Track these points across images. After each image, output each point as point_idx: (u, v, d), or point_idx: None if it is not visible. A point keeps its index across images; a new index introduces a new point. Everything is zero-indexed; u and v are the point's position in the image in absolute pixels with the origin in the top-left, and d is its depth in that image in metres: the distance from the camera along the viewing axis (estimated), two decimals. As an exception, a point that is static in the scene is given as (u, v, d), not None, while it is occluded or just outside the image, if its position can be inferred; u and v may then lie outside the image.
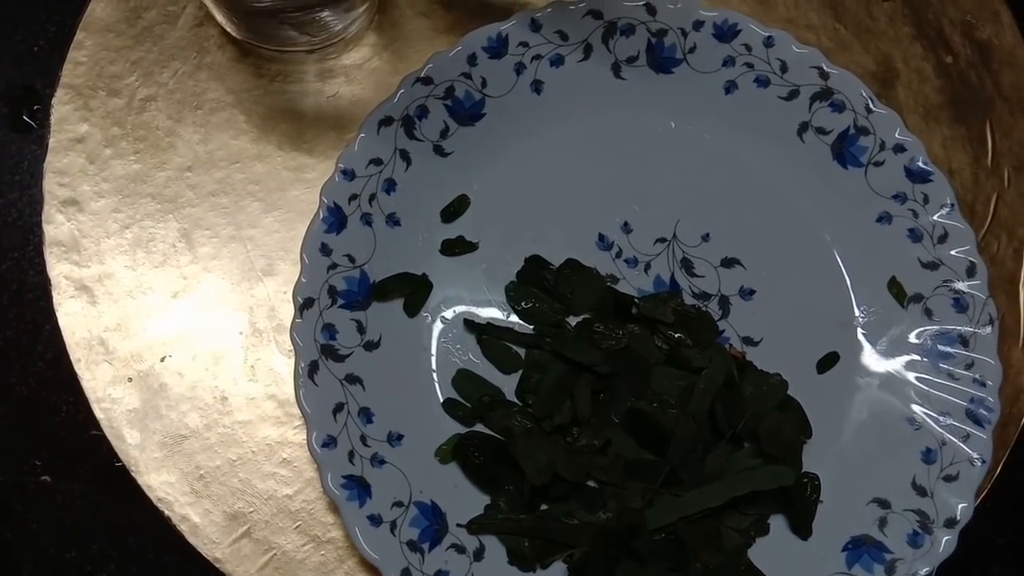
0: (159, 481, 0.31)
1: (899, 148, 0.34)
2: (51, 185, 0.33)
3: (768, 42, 0.35)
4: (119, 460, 0.31)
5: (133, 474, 0.30)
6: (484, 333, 0.33)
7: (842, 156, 0.35)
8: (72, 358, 0.31)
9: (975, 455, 0.32)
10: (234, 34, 0.35)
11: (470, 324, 0.33)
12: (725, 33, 0.35)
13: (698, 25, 0.35)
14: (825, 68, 0.35)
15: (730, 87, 0.35)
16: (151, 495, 0.30)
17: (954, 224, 0.34)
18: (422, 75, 0.33)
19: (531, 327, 0.33)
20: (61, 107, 0.34)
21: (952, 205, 0.34)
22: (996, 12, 0.38)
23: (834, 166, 0.35)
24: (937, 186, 0.34)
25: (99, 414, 0.31)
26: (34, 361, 0.33)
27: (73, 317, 0.32)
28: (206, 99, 0.34)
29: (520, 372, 0.32)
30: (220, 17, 0.34)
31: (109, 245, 0.33)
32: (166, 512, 0.30)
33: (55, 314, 0.32)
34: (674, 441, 0.31)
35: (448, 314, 0.33)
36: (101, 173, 0.33)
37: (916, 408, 0.32)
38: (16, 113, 0.35)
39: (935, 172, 0.34)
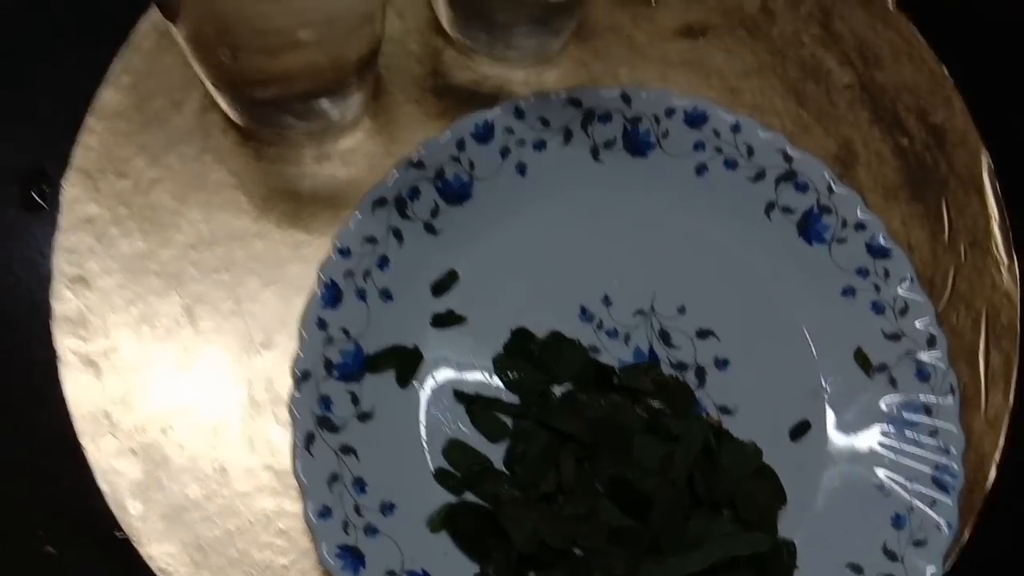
0: (160, 552, 0.31)
1: (860, 226, 0.37)
2: (60, 263, 0.34)
3: (735, 128, 0.37)
4: (122, 531, 0.32)
5: (135, 545, 0.31)
6: (473, 403, 0.34)
7: (807, 233, 0.37)
8: (77, 430, 0.32)
9: (942, 521, 0.33)
10: (237, 120, 0.37)
11: (459, 394, 0.34)
12: (695, 120, 0.37)
13: (670, 112, 0.37)
14: (789, 152, 0.37)
15: (701, 169, 0.37)
16: (152, 565, 0.31)
17: (914, 297, 0.36)
18: (414, 159, 0.35)
19: (517, 397, 0.35)
20: (71, 189, 0.36)
21: (912, 279, 0.36)
22: (948, 98, 0.41)
23: (800, 243, 0.37)
24: (897, 261, 0.36)
25: (103, 486, 0.32)
26: (39, 433, 0.34)
27: (79, 391, 0.33)
28: (209, 180, 0.36)
29: (507, 441, 0.34)
30: (224, 105, 0.36)
31: (115, 321, 0.34)
32: (166, 582, 0.31)
33: (61, 387, 0.33)
34: (655, 508, 0.32)
35: (438, 385, 0.35)
36: (108, 251, 0.35)
37: (884, 474, 0.34)
38: (27, 193, 0.37)
39: (894, 248, 0.36)
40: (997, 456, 0.36)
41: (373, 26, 0.33)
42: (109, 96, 0.37)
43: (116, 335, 0.34)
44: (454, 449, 0.34)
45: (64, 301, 0.34)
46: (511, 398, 0.35)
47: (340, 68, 0.33)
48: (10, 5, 0.39)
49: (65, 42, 0.38)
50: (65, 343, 0.34)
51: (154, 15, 0.38)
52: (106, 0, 0.39)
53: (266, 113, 0.36)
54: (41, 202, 0.37)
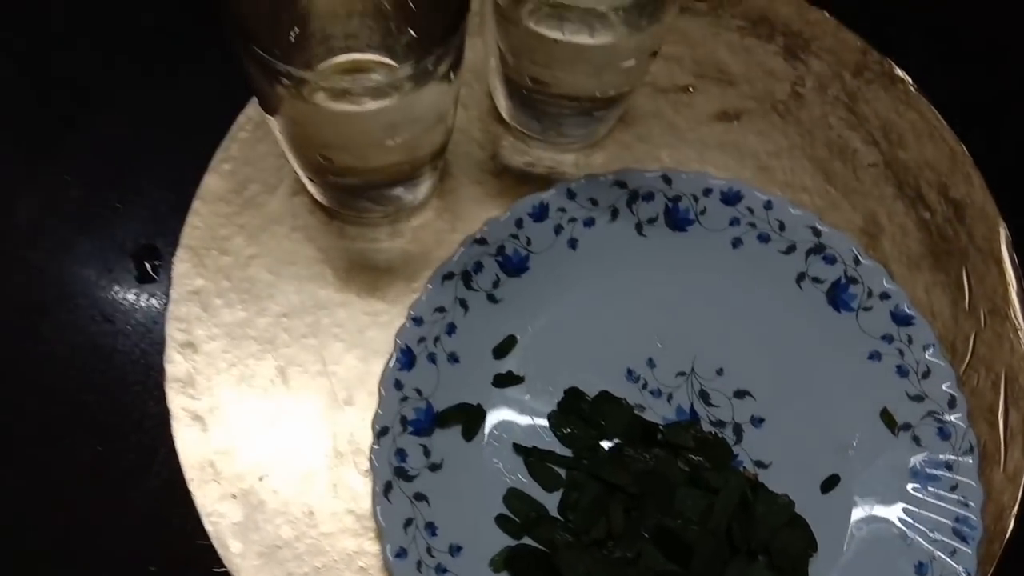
0: (257, 586, 0.36)
1: (885, 295, 0.40)
2: (172, 330, 0.40)
3: (767, 205, 0.41)
4: (222, 567, 0.36)
5: (235, 579, 0.36)
6: (530, 456, 0.38)
7: (835, 302, 0.40)
8: (186, 478, 0.37)
9: (961, 569, 0.36)
10: (323, 202, 0.42)
11: (518, 447, 0.38)
12: (731, 198, 0.41)
13: (707, 192, 0.41)
14: (818, 227, 0.41)
15: (736, 243, 0.41)
16: (250, 598, 0.36)
17: (936, 362, 0.39)
18: (478, 237, 0.40)
19: (570, 451, 0.38)
20: (181, 264, 0.41)
21: (933, 346, 0.39)
22: (968, 174, 0.45)
23: (829, 310, 0.40)
24: (919, 328, 0.39)
25: (208, 527, 0.36)
26: (151, 480, 0.38)
27: (188, 443, 0.38)
28: (299, 256, 0.41)
29: (561, 491, 0.38)
30: (311, 190, 0.41)
31: (219, 381, 0.39)
32: (262, 613, 0.35)
33: (172, 439, 0.38)
34: (696, 555, 0.36)
35: (499, 438, 0.38)
36: (213, 319, 0.40)
37: (908, 526, 0.37)
38: (141, 268, 0.42)
39: (917, 317, 0.39)
40: (1016, 508, 0.38)
41: (445, 123, 0.37)
42: (212, 181, 0.42)
43: (220, 393, 0.39)
44: (514, 497, 0.37)
45: (175, 364, 0.39)
46: (565, 451, 0.38)
47: (416, 161, 0.37)
48: (129, 102, 0.45)
49: (175, 134, 0.44)
50: (176, 401, 0.38)
51: (250, 109, 0.44)
52: (209, 96, 0.45)
53: (348, 198, 0.41)
54: (154, 275, 0.42)
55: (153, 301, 0.41)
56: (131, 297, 0.42)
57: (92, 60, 0.45)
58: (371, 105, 0.31)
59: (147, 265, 0.42)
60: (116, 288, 0.42)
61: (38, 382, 0.40)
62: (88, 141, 0.44)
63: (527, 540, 0.37)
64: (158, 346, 0.40)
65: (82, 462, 0.38)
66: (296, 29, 0.35)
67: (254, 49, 0.30)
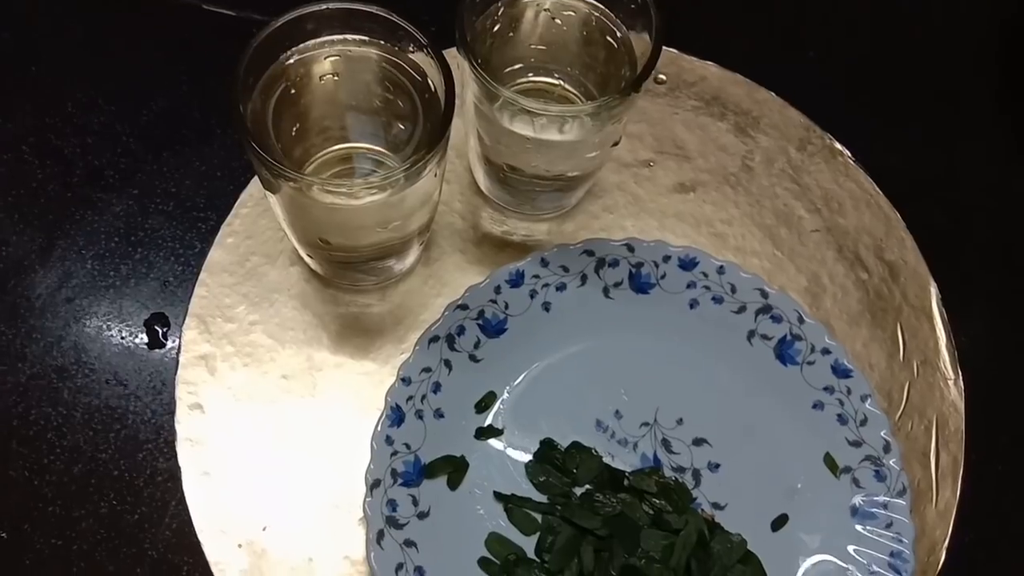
0: (262, 627, 0.39)
1: (826, 351, 0.44)
2: (181, 392, 0.43)
3: (720, 270, 0.45)
4: (228, 610, 0.40)
5: (242, 622, 0.39)
6: (509, 502, 0.42)
7: (782, 357, 0.45)
8: (196, 528, 0.40)
9: (897, 599, 0.40)
10: (318, 272, 0.46)
11: (498, 495, 0.42)
12: (687, 264, 0.45)
13: (667, 258, 0.45)
14: (766, 289, 0.45)
15: (693, 304, 0.45)
16: (255, 638, 0.39)
17: (873, 411, 0.43)
18: (460, 303, 0.44)
19: (546, 497, 0.42)
20: (189, 331, 0.45)
21: (870, 396, 0.43)
22: (901, 238, 0.49)
23: (776, 364, 0.45)
24: (857, 381, 0.44)
25: (216, 574, 0.40)
26: (162, 531, 0.42)
27: (197, 496, 0.41)
28: (297, 322, 0.45)
29: (538, 534, 0.41)
30: (308, 262, 0.45)
31: (225, 439, 0.42)
32: (267, 652, 0.39)
33: (180, 492, 0.42)
34: (660, 590, 0.40)
35: (481, 486, 0.42)
36: (218, 382, 0.44)
37: (849, 559, 0.41)
38: (152, 334, 0.46)
39: (855, 370, 0.44)
40: (946, 542, 0.43)
41: (432, 202, 0.42)
42: (217, 254, 0.46)
43: (226, 451, 0.42)
44: (494, 541, 0.41)
45: (185, 424, 0.43)
46: (540, 498, 0.42)
47: (405, 238, 0.42)
48: (140, 182, 0.49)
49: (182, 211, 0.48)
50: (186, 458, 0.42)
51: (252, 187, 0.48)
52: (214, 175, 0.49)
53: (342, 270, 0.45)
54: (163, 341, 0.46)
55: (162, 366, 0.45)
56: (142, 362, 0.45)
57: (105, 141, 0.50)
58: (366, 199, 0.35)
59: (157, 331, 0.46)
60: (129, 353, 0.45)
61: (58, 442, 0.43)
62: (101, 218, 0.48)
63: (507, 580, 0.40)
64: (167, 407, 0.44)
65: (99, 515, 0.42)
66: (297, 125, 0.40)
67: (258, 150, 0.34)
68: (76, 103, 0.50)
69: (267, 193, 0.40)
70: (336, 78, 0.39)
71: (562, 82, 0.43)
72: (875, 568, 0.41)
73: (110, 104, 0.50)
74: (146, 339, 0.46)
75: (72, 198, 0.48)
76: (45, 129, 0.50)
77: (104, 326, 0.46)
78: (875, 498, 0.42)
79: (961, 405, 0.45)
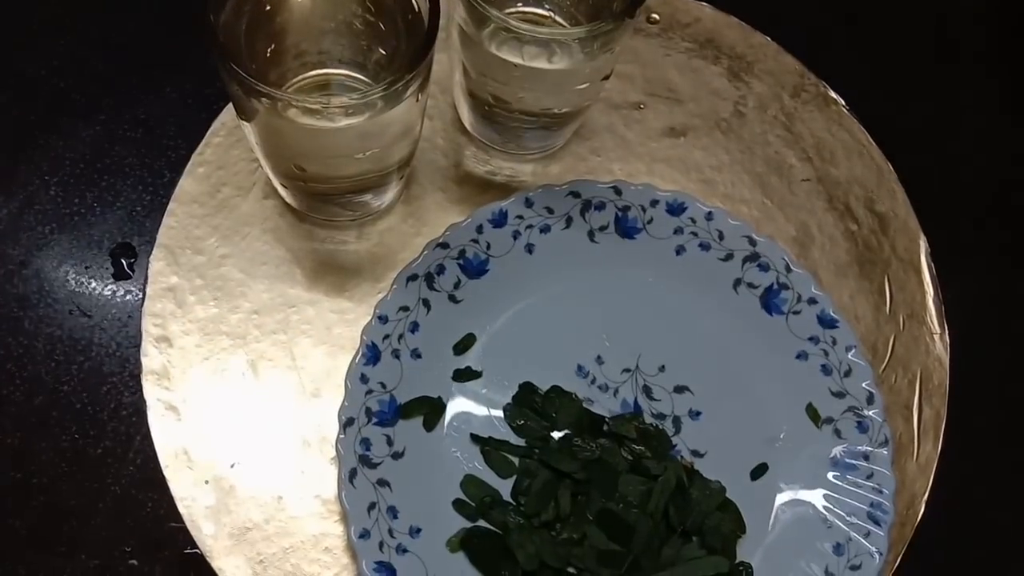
0: (228, 564, 0.38)
1: (812, 300, 0.43)
2: (148, 325, 0.42)
3: (709, 216, 0.44)
4: (192, 547, 0.39)
5: (208, 559, 0.38)
6: (486, 445, 0.41)
7: (768, 306, 0.44)
8: (161, 464, 0.39)
9: (874, 549, 0.39)
10: (294, 206, 0.44)
11: (475, 437, 0.41)
12: (675, 209, 0.44)
13: (654, 203, 0.44)
14: (754, 237, 0.44)
15: (680, 250, 0.44)
16: (221, 576, 0.38)
17: (857, 362, 0.43)
18: (441, 241, 0.43)
19: (523, 440, 0.41)
20: (156, 262, 0.43)
21: (855, 347, 0.43)
22: (892, 190, 0.48)
23: (762, 314, 0.44)
24: (843, 331, 0.43)
25: (182, 510, 0.39)
26: (126, 466, 0.41)
27: (163, 432, 0.40)
28: (270, 256, 0.44)
29: (514, 477, 0.40)
30: (283, 194, 0.44)
31: (192, 373, 0.41)
32: (233, 590, 0.38)
33: (146, 428, 0.40)
34: (636, 535, 0.39)
35: (458, 429, 0.41)
36: (187, 316, 0.42)
37: (828, 510, 0.41)
38: (118, 265, 0.44)
39: (840, 320, 0.43)
40: (926, 496, 0.42)
41: (413, 135, 0.40)
42: (187, 184, 0.45)
43: (193, 385, 0.41)
44: (470, 483, 0.40)
45: (150, 357, 0.41)
46: (518, 441, 0.41)
47: (384, 170, 0.40)
48: (107, 107, 0.47)
49: (152, 138, 0.46)
50: (152, 392, 0.40)
51: (224, 116, 0.46)
52: (185, 102, 0.47)
53: (319, 203, 0.43)
54: (129, 272, 0.44)
55: (128, 297, 0.43)
56: (107, 293, 0.44)
57: (72, 65, 0.47)
58: (343, 122, 0.34)
59: (123, 262, 0.44)
60: (93, 284, 0.44)
61: (19, 373, 0.42)
62: (67, 144, 0.46)
63: (482, 522, 0.39)
64: (133, 340, 0.42)
65: (61, 448, 0.41)
66: (272, 46, 0.38)
67: (232, 66, 0.32)
68: (43, 24, 0.48)
69: (241, 122, 0.38)
70: (315, -5, 0.37)
71: (552, 13, 0.42)
72: (854, 519, 0.40)
73: (78, 27, 0.48)
74: (112, 269, 0.44)
75: (36, 122, 0.46)
76: (9, 50, 0.47)
77: (68, 255, 0.44)
78: (856, 449, 0.41)
79: (946, 360, 0.45)
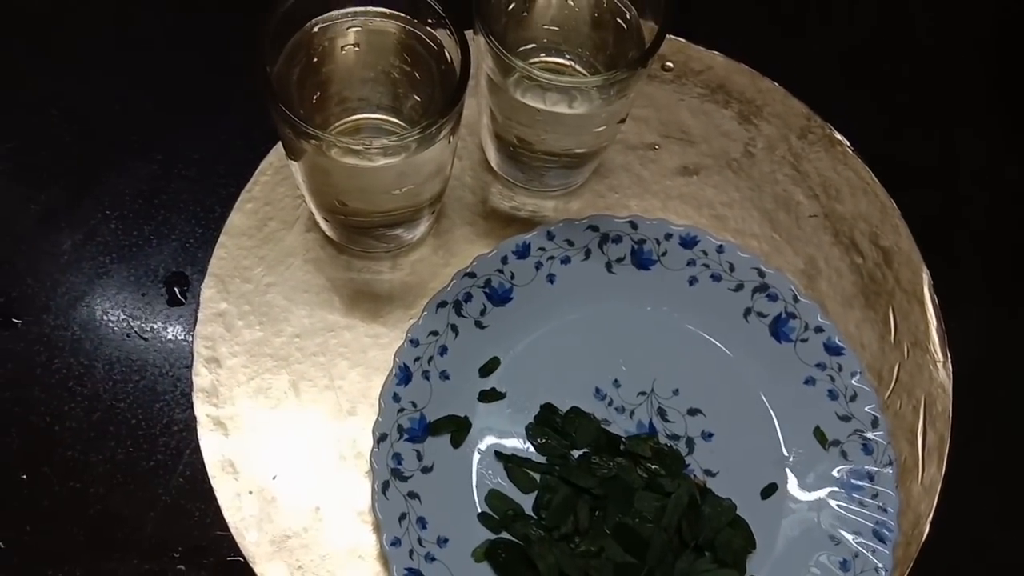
0: (270, 570, 0.41)
1: (819, 329, 0.46)
2: (199, 347, 0.45)
3: (720, 249, 0.47)
4: (235, 554, 0.42)
5: (251, 564, 0.41)
6: (509, 461, 0.43)
7: (777, 334, 0.46)
8: (209, 475, 0.42)
9: (880, 565, 0.41)
10: (333, 238, 0.48)
11: (499, 454, 0.44)
12: (688, 242, 0.47)
13: (668, 236, 0.47)
14: (763, 269, 0.47)
15: (692, 281, 0.47)
16: (263, 580, 0.41)
17: (862, 387, 0.45)
18: (468, 271, 0.46)
19: (544, 458, 0.44)
20: (207, 290, 0.46)
21: (860, 373, 0.45)
22: (896, 225, 0.51)
23: (771, 341, 0.46)
24: (848, 359, 0.45)
25: (228, 518, 0.42)
26: (176, 477, 0.44)
27: (211, 445, 0.43)
28: (311, 285, 0.47)
29: (536, 492, 0.43)
30: (324, 227, 0.47)
31: (239, 392, 0.44)
32: (273, 593, 0.41)
33: (195, 442, 0.43)
34: (651, 549, 0.41)
35: (483, 446, 0.44)
36: (235, 339, 0.45)
37: (835, 528, 0.43)
38: (172, 292, 0.48)
39: (846, 348, 0.45)
40: (931, 516, 0.44)
41: (444, 174, 0.43)
42: (237, 218, 0.48)
43: (239, 403, 0.44)
44: (494, 497, 0.43)
45: (202, 376, 0.44)
46: (539, 458, 0.44)
47: (417, 206, 0.44)
48: (164, 147, 0.51)
49: (204, 176, 0.50)
50: (201, 409, 0.44)
51: (272, 156, 0.50)
52: (236, 143, 0.51)
53: (357, 236, 0.47)
54: (182, 299, 0.48)
55: (181, 322, 0.47)
56: (161, 318, 0.47)
57: (133, 106, 0.52)
58: (382, 161, 0.37)
59: (176, 290, 0.48)
60: (149, 310, 0.47)
61: (79, 391, 0.45)
62: (126, 180, 0.50)
63: (505, 534, 0.42)
64: (184, 361, 0.45)
65: (116, 461, 0.44)
66: (318, 93, 0.42)
67: (284, 111, 0.36)
68: (99, 68, 0.52)
69: (289, 161, 0.42)
70: (357, 48, 0.41)
71: (573, 63, 0.45)
72: (860, 538, 0.42)
73: (138, 71, 0.52)
74: (166, 296, 0.47)
75: (98, 161, 0.50)
76: (71, 93, 0.52)
77: (126, 283, 0.48)
78: (862, 469, 0.43)
79: (949, 386, 0.47)
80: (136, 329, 0.47)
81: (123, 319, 0.47)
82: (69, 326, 0.46)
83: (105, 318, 0.47)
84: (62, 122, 0.51)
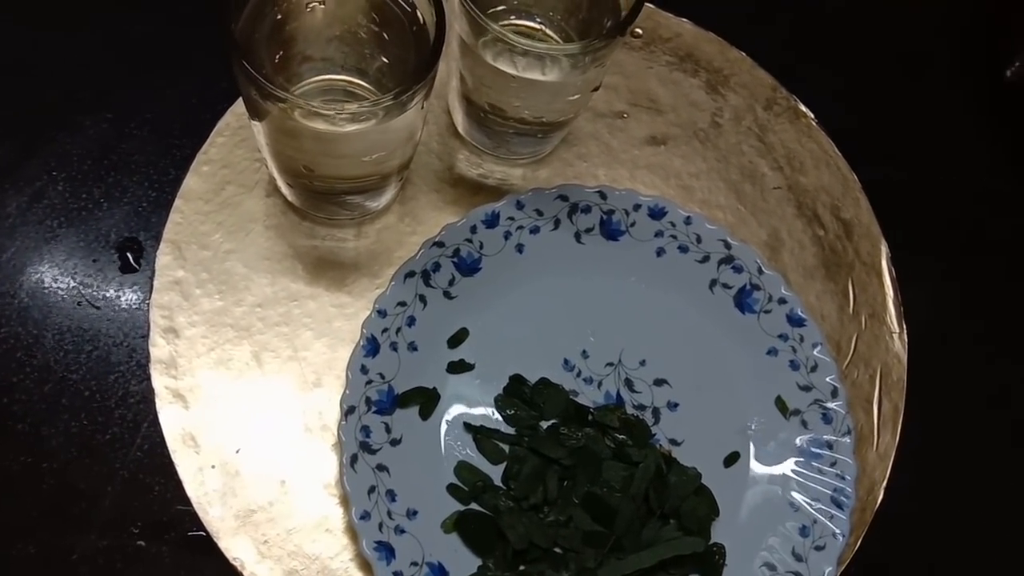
0: (234, 545, 0.40)
1: (782, 300, 0.46)
2: (155, 316, 0.43)
3: (687, 221, 0.47)
4: (198, 529, 0.41)
5: (215, 539, 0.40)
6: (478, 433, 0.43)
7: (741, 305, 0.47)
8: (169, 449, 0.41)
9: (837, 531, 0.43)
10: (296, 204, 0.46)
11: (468, 425, 0.43)
12: (656, 213, 0.47)
13: (637, 207, 0.47)
14: (729, 240, 0.47)
15: (660, 252, 0.47)
16: (228, 555, 0.40)
17: (823, 358, 0.46)
18: (436, 240, 0.45)
19: (513, 429, 0.44)
20: (163, 256, 0.45)
21: (821, 344, 0.46)
22: (856, 198, 0.52)
23: (735, 312, 0.47)
24: (810, 330, 0.46)
25: (190, 493, 0.41)
26: (133, 452, 0.42)
27: (171, 418, 0.42)
28: (273, 252, 0.46)
29: (505, 463, 0.43)
30: (286, 192, 0.46)
31: (199, 363, 0.43)
32: (239, 569, 0.40)
33: (153, 415, 0.42)
34: (619, 518, 0.42)
35: (452, 418, 0.43)
36: (193, 308, 0.44)
37: (795, 495, 0.44)
38: (125, 259, 0.46)
39: (808, 319, 0.46)
40: (885, 483, 0.46)
41: (414, 140, 0.42)
42: (193, 181, 0.46)
43: (199, 374, 0.43)
44: (463, 469, 0.43)
45: (159, 347, 0.43)
46: (508, 429, 0.44)
47: (385, 173, 0.42)
48: (116, 104, 0.48)
49: (158, 136, 0.48)
50: (160, 380, 0.42)
51: (229, 116, 0.48)
52: (191, 102, 0.48)
53: (320, 202, 0.45)
54: (135, 266, 0.46)
55: (135, 291, 0.45)
56: (114, 286, 0.45)
57: (82, 62, 0.49)
58: (351, 128, 0.36)
59: (129, 256, 0.46)
60: (100, 277, 0.45)
61: (28, 361, 0.43)
62: (74, 139, 0.47)
63: (474, 505, 0.42)
64: (139, 331, 0.44)
65: (70, 434, 0.42)
66: (281, 52, 0.40)
67: (250, 70, 0.34)
68: (53, 22, 0.49)
69: (251, 121, 0.40)
70: (323, 6, 0.39)
71: (543, 26, 0.44)
72: (818, 504, 0.43)
73: (89, 24, 0.49)
74: (118, 263, 0.46)
75: (45, 118, 0.47)
76: (19, 46, 0.48)
77: (75, 248, 0.45)
78: (821, 438, 0.45)
79: (904, 357, 0.48)
80: (88, 297, 0.45)
81: (73, 286, 0.45)
82: (16, 294, 0.44)
83: (54, 285, 0.45)
84: (4, 75, 0.48)
